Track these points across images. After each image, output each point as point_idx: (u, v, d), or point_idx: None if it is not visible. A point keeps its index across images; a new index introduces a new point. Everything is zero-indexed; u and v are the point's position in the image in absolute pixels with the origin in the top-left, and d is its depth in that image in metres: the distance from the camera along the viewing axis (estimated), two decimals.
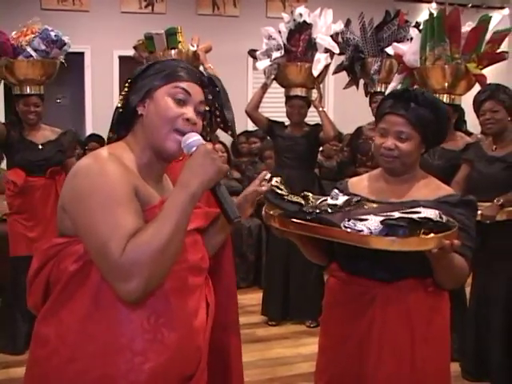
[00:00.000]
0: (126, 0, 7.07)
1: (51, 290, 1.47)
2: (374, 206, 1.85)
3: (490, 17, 3.50)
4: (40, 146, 3.91)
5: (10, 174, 3.86)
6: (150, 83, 1.50)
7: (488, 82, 3.50)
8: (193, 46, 4.38)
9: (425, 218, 1.63)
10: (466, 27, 3.51)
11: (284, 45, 4.24)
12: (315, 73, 4.21)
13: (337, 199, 1.81)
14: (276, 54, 4.24)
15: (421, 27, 4.20)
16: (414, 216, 1.63)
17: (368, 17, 4.35)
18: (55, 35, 3.92)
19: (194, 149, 1.44)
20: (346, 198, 1.84)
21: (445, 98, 3.57)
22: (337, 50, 4.28)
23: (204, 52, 4.34)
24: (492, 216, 3.14)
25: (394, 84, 3.98)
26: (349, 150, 5.73)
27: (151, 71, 1.52)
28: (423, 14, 7.96)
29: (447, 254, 1.66)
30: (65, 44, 4.00)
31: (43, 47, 3.86)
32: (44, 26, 3.94)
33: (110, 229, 1.32)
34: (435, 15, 3.53)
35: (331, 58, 4.30)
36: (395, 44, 3.98)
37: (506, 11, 6.98)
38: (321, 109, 4.29)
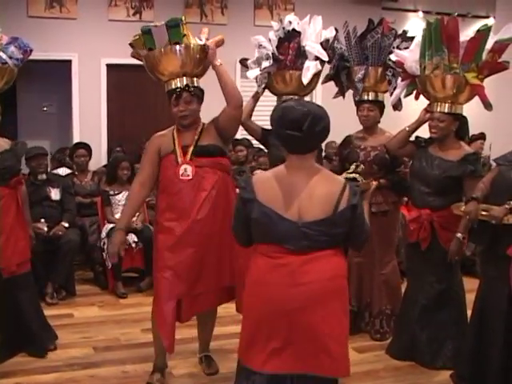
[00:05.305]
0: (113, 8, 7.05)
1: None
2: None
3: (490, 26, 3.49)
4: None
5: None
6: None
7: (490, 92, 3.50)
8: (200, 40, 3.65)
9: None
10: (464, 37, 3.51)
11: (272, 54, 4.20)
12: (305, 80, 4.17)
13: None
14: (265, 64, 4.18)
15: (408, 35, 4.22)
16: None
17: (357, 25, 4.34)
18: (27, 44, 3.84)
19: None
20: None
21: (446, 108, 3.58)
22: (326, 58, 4.24)
23: (215, 46, 3.59)
24: (498, 217, 3.09)
25: (398, 91, 3.99)
26: (337, 159, 5.72)
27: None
28: (410, 22, 8.02)
29: None
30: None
31: (20, 56, 3.78)
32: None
33: None
34: (432, 24, 3.51)
35: (321, 66, 4.27)
36: (397, 51, 3.98)
37: (491, 20, 7.05)
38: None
